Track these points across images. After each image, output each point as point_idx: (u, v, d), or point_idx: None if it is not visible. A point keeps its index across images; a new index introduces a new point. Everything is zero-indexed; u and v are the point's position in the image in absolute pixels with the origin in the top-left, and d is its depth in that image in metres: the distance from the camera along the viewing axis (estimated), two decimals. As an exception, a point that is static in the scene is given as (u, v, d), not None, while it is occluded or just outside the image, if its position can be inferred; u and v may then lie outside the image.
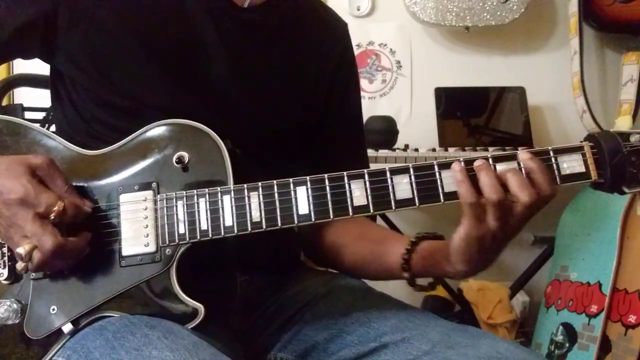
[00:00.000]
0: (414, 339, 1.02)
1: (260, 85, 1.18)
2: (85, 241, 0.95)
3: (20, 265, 0.89)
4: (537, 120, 2.75)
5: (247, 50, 1.16)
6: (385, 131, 2.38)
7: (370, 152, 2.26)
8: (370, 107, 2.76)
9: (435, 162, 0.94)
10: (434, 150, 2.40)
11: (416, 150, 2.35)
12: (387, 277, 1.18)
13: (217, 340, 0.94)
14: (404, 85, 2.83)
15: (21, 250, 0.88)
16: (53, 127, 1.22)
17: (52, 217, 0.89)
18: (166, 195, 0.98)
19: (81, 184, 1.01)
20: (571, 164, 0.93)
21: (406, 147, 2.41)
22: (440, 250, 1.02)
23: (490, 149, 2.41)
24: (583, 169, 0.93)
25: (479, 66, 2.81)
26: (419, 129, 2.70)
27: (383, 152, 2.28)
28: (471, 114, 2.66)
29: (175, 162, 0.99)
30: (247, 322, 1.15)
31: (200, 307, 0.95)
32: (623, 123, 2.30)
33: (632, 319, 1.92)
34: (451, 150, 2.42)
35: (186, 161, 0.98)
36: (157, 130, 1.02)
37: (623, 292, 1.99)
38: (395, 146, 2.39)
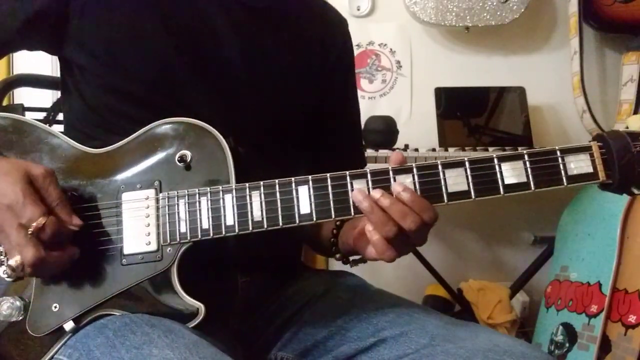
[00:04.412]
0: (413, 333, 1.03)
1: (269, 70, 1.19)
2: (69, 257, 0.95)
3: (8, 272, 0.90)
4: (537, 120, 2.75)
5: (257, 36, 1.17)
6: (385, 131, 2.37)
7: (370, 152, 2.26)
8: (370, 107, 2.76)
9: (439, 162, 0.94)
10: (434, 150, 2.40)
11: (416, 150, 2.35)
12: (324, 252, 1.26)
13: (217, 341, 0.94)
14: (404, 85, 2.83)
15: (12, 262, 0.89)
16: (55, 127, 1.22)
17: (30, 232, 0.89)
18: (168, 194, 0.98)
19: (84, 182, 1.01)
20: (579, 164, 0.92)
21: (406, 147, 2.40)
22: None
23: (490, 149, 2.40)
24: (591, 170, 0.92)
25: (479, 66, 2.81)
26: (419, 129, 2.70)
27: (383, 152, 2.27)
28: (471, 114, 2.65)
29: (178, 160, 0.99)
30: (246, 322, 1.15)
31: (200, 306, 0.96)
32: (634, 123, 2.29)
33: (632, 319, 1.91)
34: (451, 150, 2.42)
35: (188, 160, 0.99)
36: (159, 128, 1.02)
37: (623, 292, 1.99)
38: (395, 146, 2.39)
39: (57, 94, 1.79)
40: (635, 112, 2.54)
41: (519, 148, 2.43)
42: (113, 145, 1.03)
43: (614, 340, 1.95)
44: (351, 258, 1.13)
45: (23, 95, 2.19)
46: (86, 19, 1.09)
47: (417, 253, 2.48)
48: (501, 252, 2.87)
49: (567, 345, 2.13)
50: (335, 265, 1.18)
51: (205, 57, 1.13)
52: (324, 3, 1.35)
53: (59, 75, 1.20)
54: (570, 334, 2.13)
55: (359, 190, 0.93)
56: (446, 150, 2.42)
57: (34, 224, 0.89)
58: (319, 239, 1.22)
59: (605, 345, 1.98)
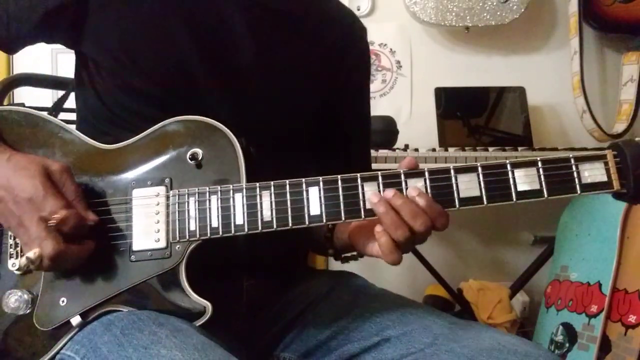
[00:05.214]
0: (417, 332, 1.03)
1: (284, 74, 1.18)
2: (87, 250, 0.96)
3: (22, 264, 0.90)
4: (537, 120, 2.75)
5: (274, 41, 1.17)
6: (385, 131, 2.37)
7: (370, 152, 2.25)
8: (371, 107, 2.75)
9: (451, 166, 0.93)
10: (434, 150, 2.39)
11: (416, 150, 2.35)
12: (316, 247, 1.28)
13: (220, 341, 0.93)
14: (404, 85, 2.83)
15: (31, 255, 0.90)
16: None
17: (51, 224, 0.90)
18: (179, 191, 0.98)
19: (95, 178, 1.01)
20: (593, 173, 0.92)
21: (406, 147, 2.40)
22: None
23: (490, 149, 2.40)
24: (605, 178, 0.92)
25: (479, 66, 2.81)
26: (419, 129, 2.70)
27: (383, 152, 2.27)
28: (471, 114, 2.65)
29: (189, 158, 0.99)
30: (250, 324, 1.15)
31: (208, 305, 0.96)
32: (648, 133, 2.31)
33: (632, 319, 1.91)
34: (451, 150, 2.41)
35: (200, 158, 0.99)
36: (172, 126, 1.02)
37: (623, 292, 1.99)
38: (395, 146, 2.39)
39: (58, 94, 1.78)
40: (635, 112, 2.54)
41: (519, 148, 2.43)
42: (125, 142, 1.03)
43: (614, 340, 1.96)
44: (343, 255, 1.13)
45: (23, 95, 2.19)
46: (105, 16, 1.09)
47: (417, 253, 2.48)
48: (501, 252, 2.87)
49: (567, 345, 2.13)
50: (336, 265, 1.18)
51: (222, 59, 1.12)
52: (345, 9, 1.35)
53: (58, 75, 1.20)
54: (570, 334, 2.14)
55: (374, 193, 0.93)
56: (446, 150, 2.42)
57: (56, 216, 0.90)
58: (314, 234, 1.21)
59: (605, 345, 1.98)
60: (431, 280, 2.60)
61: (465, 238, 2.86)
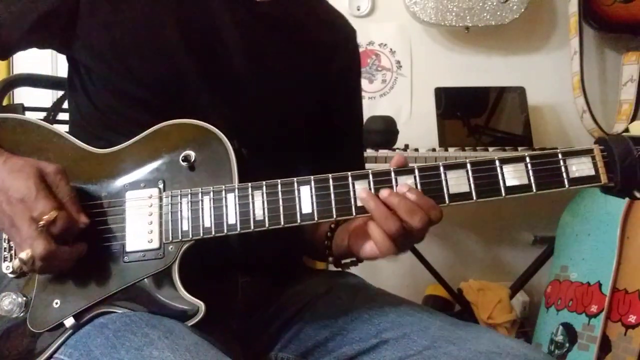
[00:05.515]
0: (415, 334, 1.03)
1: (275, 77, 1.19)
2: (78, 252, 0.96)
3: (16, 266, 0.91)
4: (537, 120, 2.75)
5: (264, 44, 1.17)
6: (385, 131, 2.38)
7: (370, 152, 2.26)
8: (370, 107, 2.75)
9: (440, 164, 0.94)
10: (434, 150, 2.40)
11: (416, 150, 2.35)
12: (316, 254, 1.28)
13: (216, 341, 0.94)
14: (404, 85, 2.83)
15: (23, 255, 0.90)
16: (56, 126, 1.22)
17: (41, 225, 0.90)
18: (171, 192, 0.98)
19: (89, 182, 1.02)
20: (580, 167, 0.92)
21: (406, 147, 2.40)
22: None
23: (490, 149, 2.40)
24: (593, 172, 0.92)
25: (479, 66, 2.81)
26: (419, 129, 2.70)
27: (383, 152, 2.28)
28: (471, 114, 2.65)
29: (182, 160, 0.99)
30: (247, 323, 1.15)
31: (201, 304, 0.96)
32: (636, 129, 2.30)
33: (632, 319, 1.92)
34: (451, 150, 2.41)
35: (192, 160, 0.99)
36: (164, 129, 1.02)
37: (623, 292, 1.99)
38: (395, 146, 2.39)
39: (57, 94, 1.79)
40: (635, 112, 2.54)
41: (519, 148, 2.43)
42: (118, 146, 1.04)
43: (614, 340, 1.96)
44: (343, 261, 1.13)
45: (23, 95, 2.19)
46: (94, 20, 1.09)
47: (417, 253, 2.48)
48: (501, 252, 2.87)
49: (567, 345, 2.13)
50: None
51: (214, 64, 1.13)
52: (334, 13, 1.35)
53: (58, 75, 1.20)
54: (570, 334, 2.14)
55: (363, 189, 0.94)
56: (446, 150, 2.42)
57: (45, 217, 0.90)
58: (313, 242, 1.22)
59: (605, 345, 1.98)
60: (431, 280, 2.60)
61: (465, 238, 2.86)
